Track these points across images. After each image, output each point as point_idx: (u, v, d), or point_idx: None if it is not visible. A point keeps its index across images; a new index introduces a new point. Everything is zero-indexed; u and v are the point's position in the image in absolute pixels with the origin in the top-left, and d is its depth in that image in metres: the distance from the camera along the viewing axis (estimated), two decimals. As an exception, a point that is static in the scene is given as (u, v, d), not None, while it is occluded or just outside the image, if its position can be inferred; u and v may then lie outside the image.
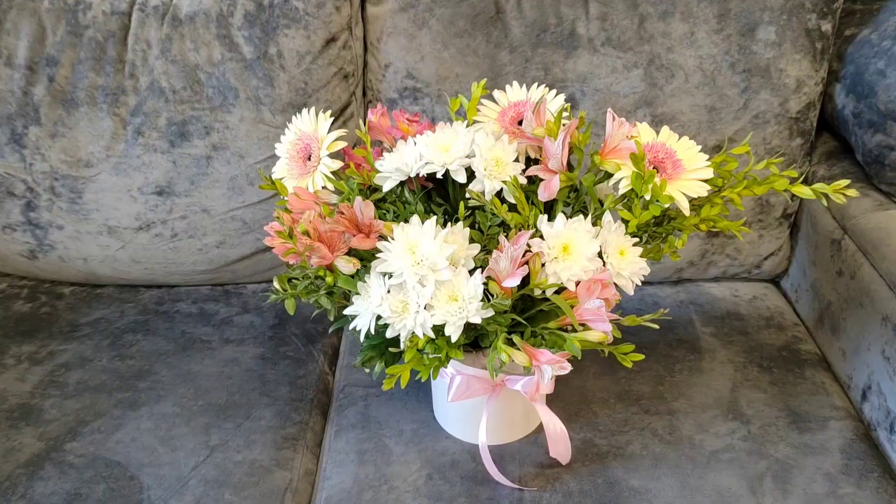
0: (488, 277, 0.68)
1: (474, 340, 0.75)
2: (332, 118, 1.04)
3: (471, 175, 0.75)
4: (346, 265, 0.69)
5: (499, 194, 0.74)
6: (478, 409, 0.83)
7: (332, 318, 0.74)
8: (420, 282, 0.68)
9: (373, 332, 0.69)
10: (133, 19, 1.02)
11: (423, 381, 0.73)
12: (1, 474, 0.83)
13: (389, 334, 0.69)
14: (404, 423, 0.90)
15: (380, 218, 0.76)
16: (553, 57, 1.02)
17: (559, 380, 0.91)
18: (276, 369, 0.99)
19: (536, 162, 0.84)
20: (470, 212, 0.75)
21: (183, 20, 1.01)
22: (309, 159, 0.81)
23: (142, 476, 0.83)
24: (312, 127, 0.81)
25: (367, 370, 0.75)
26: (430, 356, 0.70)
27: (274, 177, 0.83)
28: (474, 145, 0.74)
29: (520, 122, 0.86)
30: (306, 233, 0.71)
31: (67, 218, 1.06)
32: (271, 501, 0.81)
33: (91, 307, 1.10)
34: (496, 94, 0.87)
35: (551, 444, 0.81)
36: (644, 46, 1.01)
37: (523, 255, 0.68)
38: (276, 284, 0.70)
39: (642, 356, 0.73)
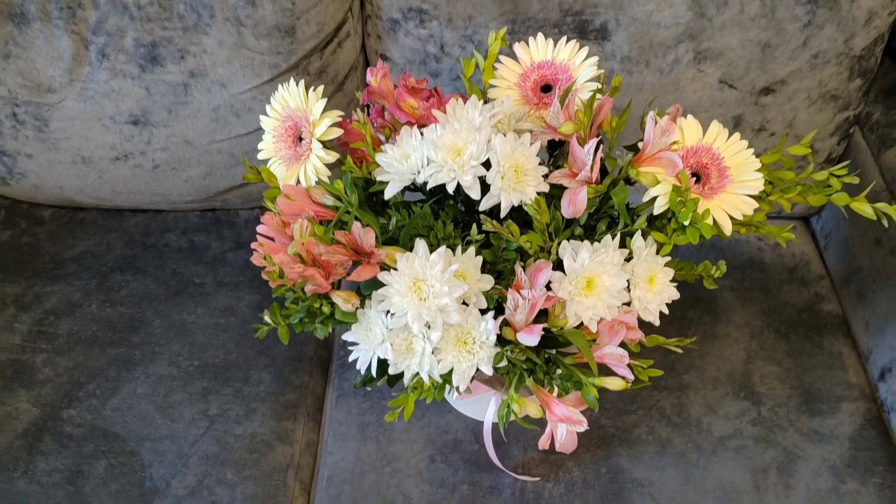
0: (503, 322, 0.62)
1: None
2: (326, 40, 0.91)
3: (483, 181, 0.65)
4: (345, 304, 0.62)
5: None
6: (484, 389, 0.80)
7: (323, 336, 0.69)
8: (426, 324, 0.61)
9: (374, 373, 0.64)
10: (82, -86, 0.84)
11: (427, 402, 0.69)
12: (0, 446, 0.82)
13: (392, 371, 0.64)
14: (407, 393, 0.88)
15: (381, 223, 0.68)
16: (586, -23, 0.86)
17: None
18: (274, 321, 0.94)
19: (559, 145, 0.73)
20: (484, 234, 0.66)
21: (142, -83, 0.84)
22: (300, 140, 0.71)
23: (142, 451, 0.82)
24: (301, 104, 0.70)
25: (369, 388, 0.71)
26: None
27: (260, 156, 0.73)
28: (490, 152, 0.64)
29: (543, 89, 0.74)
30: (298, 255, 0.63)
31: (36, 147, 0.96)
32: (274, 480, 0.81)
33: (74, 237, 1.03)
34: (517, 48, 0.75)
35: (557, 444, 0.79)
36: (695, -32, 0.85)
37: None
38: (267, 318, 0.64)
39: (661, 372, 0.69)
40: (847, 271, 0.96)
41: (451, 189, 0.64)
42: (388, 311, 0.62)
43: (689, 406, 0.86)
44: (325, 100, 0.68)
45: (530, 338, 0.60)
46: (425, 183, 0.65)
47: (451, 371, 0.63)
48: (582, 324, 0.63)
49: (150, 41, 0.89)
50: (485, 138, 0.65)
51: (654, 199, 0.65)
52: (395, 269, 0.62)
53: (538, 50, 0.75)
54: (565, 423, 0.62)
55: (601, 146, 0.65)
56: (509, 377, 0.64)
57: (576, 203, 0.64)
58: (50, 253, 1.01)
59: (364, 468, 0.82)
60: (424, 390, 0.64)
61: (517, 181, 0.64)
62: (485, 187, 0.65)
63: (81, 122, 0.93)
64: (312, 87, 0.69)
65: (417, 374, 0.64)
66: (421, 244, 0.62)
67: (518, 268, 0.63)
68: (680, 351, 0.70)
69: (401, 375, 0.68)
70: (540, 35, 0.74)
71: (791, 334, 0.93)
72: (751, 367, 0.90)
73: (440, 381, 0.63)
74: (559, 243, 0.64)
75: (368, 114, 0.77)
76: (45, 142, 0.95)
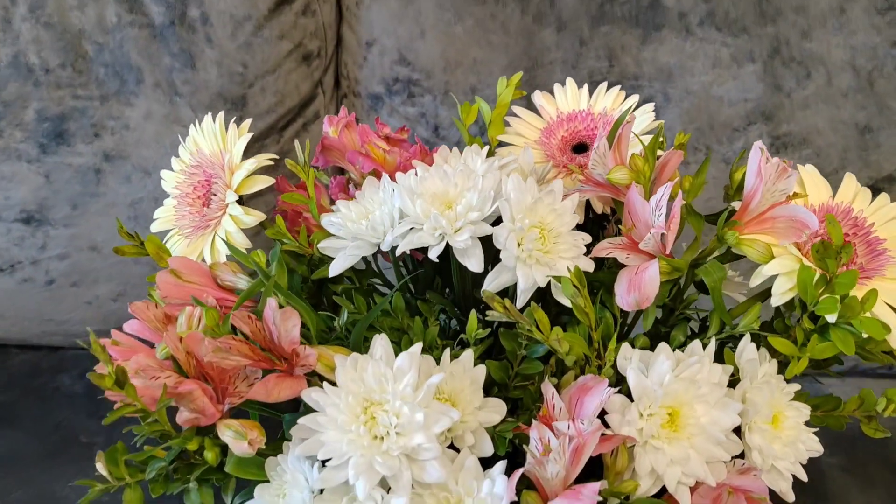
0: (525, 484, 0.34)
1: None
2: (287, 118, 0.70)
3: (490, 249, 0.40)
4: (238, 443, 0.35)
5: (542, 291, 0.40)
6: None
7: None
8: (383, 481, 0.34)
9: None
10: (-10, -42, 0.68)
11: None
12: None
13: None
14: None
15: (322, 317, 0.42)
16: (623, 39, 0.68)
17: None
18: None
19: (604, 219, 0.49)
20: (489, 329, 0.40)
21: (64, -38, 0.67)
22: (210, 203, 0.47)
23: None
24: (218, 147, 0.47)
25: None
26: None
27: (154, 227, 0.49)
28: (500, 201, 0.39)
29: (576, 148, 0.52)
30: (172, 360, 0.37)
31: None
32: None
33: (-66, 377, 0.76)
34: (537, 97, 0.53)
35: None
36: (766, 28, 0.67)
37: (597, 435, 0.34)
38: (100, 468, 0.36)
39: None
40: None
41: (434, 255, 0.39)
42: (316, 460, 0.35)
43: None
44: (249, 135, 0.45)
45: (575, 512, 0.32)
46: (394, 248, 0.40)
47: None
48: (664, 490, 0.35)
49: (58, 113, 0.68)
50: (491, 184, 0.41)
51: (768, 283, 0.40)
52: (333, 384, 0.35)
53: (567, 99, 0.53)
54: None
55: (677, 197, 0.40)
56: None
57: (641, 286, 0.39)
58: None
59: None
60: None
61: (543, 251, 0.39)
62: (490, 257, 0.39)
63: (-43, 218, 0.71)
64: (234, 119, 0.46)
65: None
66: (380, 341, 0.36)
67: (548, 385, 0.36)
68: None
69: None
70: (570, 80, 0.53)
71: (943, 538, 0.63)
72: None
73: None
74: (616, 347, 0.37)
75: (328, 189, 0.54)
76: None
